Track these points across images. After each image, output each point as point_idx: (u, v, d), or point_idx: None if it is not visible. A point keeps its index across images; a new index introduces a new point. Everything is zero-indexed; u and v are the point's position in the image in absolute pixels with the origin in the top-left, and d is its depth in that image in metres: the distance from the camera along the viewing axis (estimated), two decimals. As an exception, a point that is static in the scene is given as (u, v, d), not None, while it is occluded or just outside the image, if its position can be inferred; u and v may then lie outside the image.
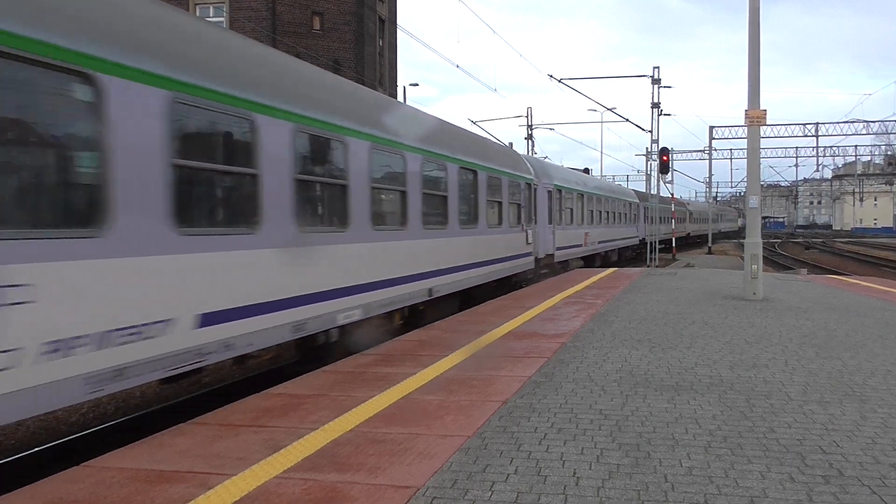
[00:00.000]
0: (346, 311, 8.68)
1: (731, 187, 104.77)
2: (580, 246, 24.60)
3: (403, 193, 10.36)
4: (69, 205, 5.07)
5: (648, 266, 32.97)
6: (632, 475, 4.30)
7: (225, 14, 30.14)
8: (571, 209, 23.42)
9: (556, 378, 6.82)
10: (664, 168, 34.97)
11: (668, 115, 42.91)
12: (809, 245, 66.02)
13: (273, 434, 5.18)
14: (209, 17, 30.67)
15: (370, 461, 4.57)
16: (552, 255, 20.71)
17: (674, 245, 41.89)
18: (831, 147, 77.53)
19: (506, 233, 15.59)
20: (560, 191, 21.98)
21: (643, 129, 40.12)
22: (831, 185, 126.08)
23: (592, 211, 26.76)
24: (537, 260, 18.93)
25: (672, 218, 42.13)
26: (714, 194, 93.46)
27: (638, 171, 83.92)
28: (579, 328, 9.92)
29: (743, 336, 9.21)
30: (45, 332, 4.71)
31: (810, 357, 7.79)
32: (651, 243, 35.73)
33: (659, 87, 37.55)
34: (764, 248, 38.14)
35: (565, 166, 31.63)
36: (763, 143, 15.59)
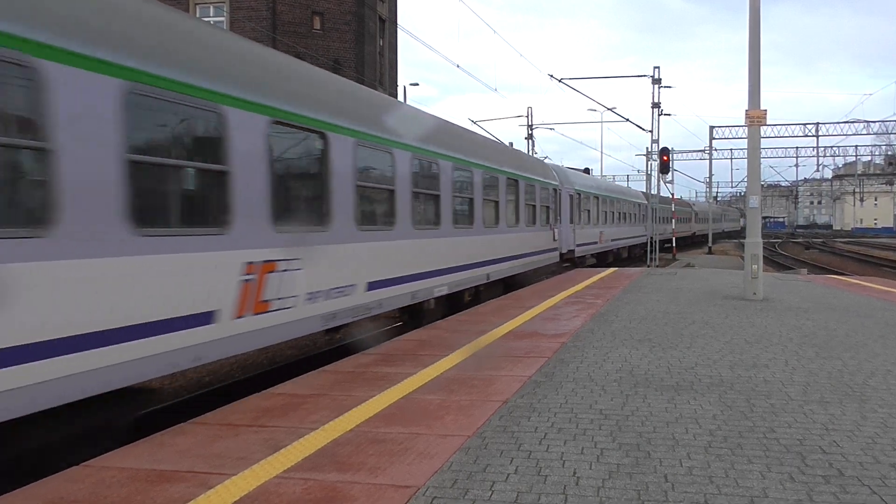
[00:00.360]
0: (439, 286, 11.77)
1: (732, 187, 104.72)
2: (596, 243, 27.23)
3: (471, 201, 13.26)
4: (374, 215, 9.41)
5: (649, 266, 32.97)
6: (632, 475, 4.30)
7: (225, 14, 30.11)
8: (589, 210, 26.01)
9: (556, 378, 6.82)
10: (664, 168, 34.97)
11: (669, 115, 42.92)
12: (810, 245, 66.01)
13: (273, 434, 5.18)
14: (209, 17, 30.59)
15: (370, 461, 4.57)
16: (573, 251, 23.44)
17: (674, 245, 41.89)
18: (832, 147, 77.47)
19: (538, 231, 18.65)
20: (579, 194, 24.67)
21: (643, 129, 40.12)
22: (831, 185, 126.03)
23: (606, 212, 29.31)
24: (561, 255, 21.77)
25: (673, 218, 42.17)
26: (714, 194, 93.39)
27: (638, 171, 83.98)
28: (579, 328, 9.93)
29: (743, 336, 9.21)
30: (308, 287, 7.60)
31: (810, 357, 7.79)
32: (651, 243, 35.79)
33: (659, 87, 37.57)
34: (764, 248, 38.03)
35: (566, 166, 31.79)
36: (763, 143, 15.58)
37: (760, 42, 13.53)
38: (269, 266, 7.05)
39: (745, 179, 15.33)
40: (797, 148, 70.63)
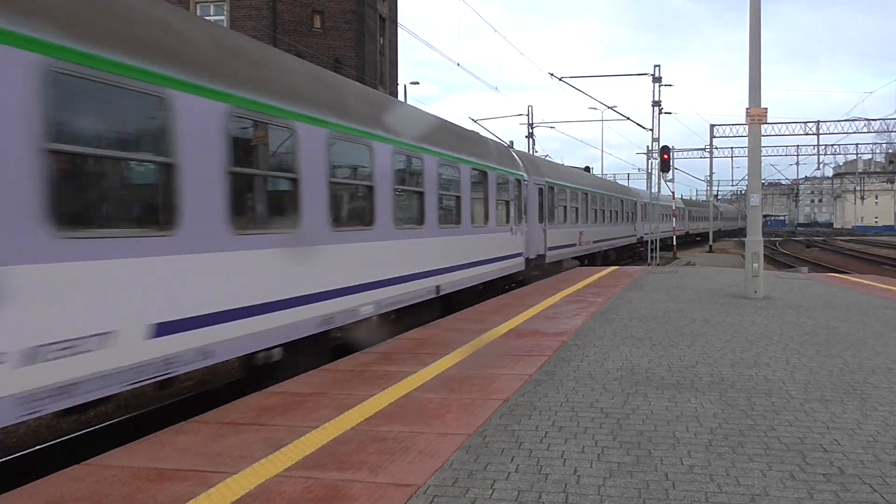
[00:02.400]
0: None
1: (732, 185, 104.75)
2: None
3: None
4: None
5: (649, 264, 32.97)
6: (633, 473, 4.29)
7: (225, 13, 30.08)
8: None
9: (557, 376, 6.82)
10: (665, 166, 34.93)
11: (669, 113, 43.01)
12: (810, 243, 65.95)
13: (274, 432, 5.18)
14: (210, 15, 30.53)
15: (371, 459, 4.57)
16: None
17: (674, 243, 41.90)
18: (832, 145, 77.61)
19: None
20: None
21: (644, 128, 40.14)
22: (832, 184, 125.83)
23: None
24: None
25: (673, 216, 42.17)
26: (715, 193, 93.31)
27: (639, 170, 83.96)
28: (580, 326, 9.93)
29: (744, 334, 9.21)
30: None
31: (811, 355, 7.79)
32: (651, 241, 35.74)
33: (660, 86, 37.55)
34: (765, 246, 37.98)
35: (565, 164, 31.65)
36: (764, 141, 15.59)
37: (761, 40, 13.52)
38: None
39: (746, 177, 15.32)
40: (798, 146, 70.56)
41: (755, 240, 13.68)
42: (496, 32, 31.59)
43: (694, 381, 6.57)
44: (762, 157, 14.60)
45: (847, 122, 56.96)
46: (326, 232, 8.13)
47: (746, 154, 14.75)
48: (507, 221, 15.99)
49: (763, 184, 25.76)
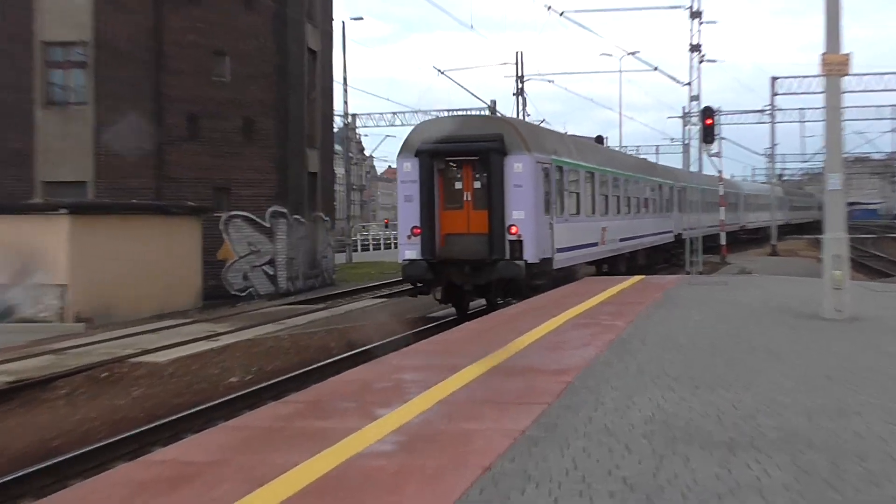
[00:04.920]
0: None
1: (803, 161, 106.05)
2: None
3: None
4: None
5: (688, 273, 33.27)
6: (671, 571, 4.27)
7: (87, 56, 29.67)
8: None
9: (560, 432, 6.80)
10: (708, 135, 35.30)
11: (713, 61, 43.60)
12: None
13: (153, 519, 5.07)
14: (58, 59, 30.22)
15: (294, 557, 4.49)
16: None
17: (723, 242, 42.30)
18: None
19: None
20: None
21: (678, 82, 40.48)
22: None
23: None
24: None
25: (722, 206, 42.57)
26: (778, 172, 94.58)
27: (672, 140, 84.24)
28: (592, 360, 9.93)
29: (823, 370, 9.28)
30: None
31: (917, 399, 7.87)
32: (691, 240, 36.01)
33: (700, 22, 37.94)
34: (852, 246, 38.35)
35: (569, 133, 32.17)
36: (848, 99, 15.73)
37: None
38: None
39: (823, 151, 15.49)
40: (896, 106, 71.65)
41: (836, 237, 13.81)
42: (471, -55, 31.65)
43: (754, 438, 6.58)
44: (844, 122, 14.80)
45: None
46: (607, 216, 27.40)
47: (823, 118, 14.87)
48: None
49: (846, 159, 25.96)
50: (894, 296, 18.53)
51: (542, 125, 37.79)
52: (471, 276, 20.29)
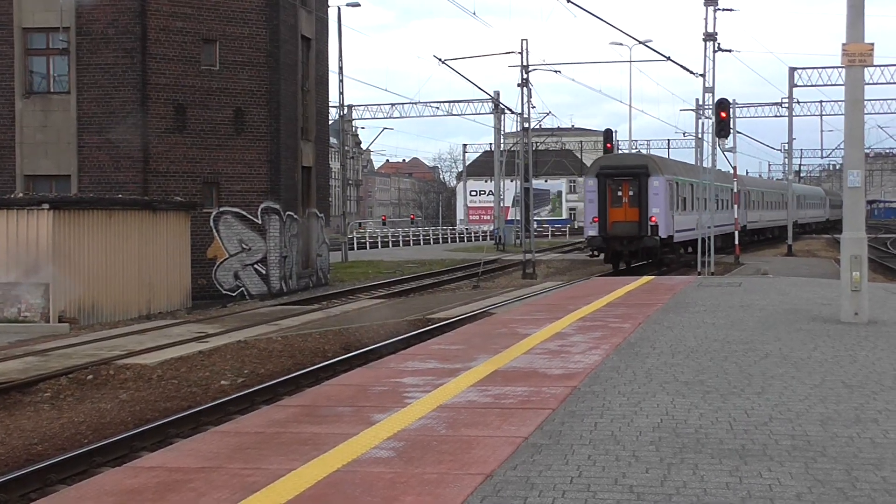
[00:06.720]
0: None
1: (822, 157, 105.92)
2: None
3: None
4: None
5: (700, 274, 33.30)
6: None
7: (69, 44, 29.54)
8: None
9: (564, 439, 6.84)
10: (722, 129, 35.28)
11: (729, 51, 43.24)
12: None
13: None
14: (42, 47, 30.06)
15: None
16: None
17: (737, 242, 42.36)
18: None
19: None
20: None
21: (692, 73, 40.49)
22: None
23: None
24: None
25: (735, 203, 42.67)
26: (797, 167, 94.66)
27: (685, 134, 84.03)
28: (598, 364, 9.98)
29: (840, 376, 9.33)
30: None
31: (937, 406, 7.92)
32: (706, 240, 36.13)
33: (716, 10, 37.92)
34: (872, 246, 38.52)
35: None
36: (871, 91, 15.78)
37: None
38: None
39: (842, 146, 15.51)
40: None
41: (856, 237, 13.84)
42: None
43: (767, 446, 6.63)
44: (867, 115, 14.83)
45: None
46: (697, 211, 40.98)
47: (843, 111, 14.91)
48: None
49: (868, 154, 25.90)
50: (916, 298, 18.56)
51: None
52: (627, 246, 38.23)
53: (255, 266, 30.62)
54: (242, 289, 30.27)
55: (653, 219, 37.76)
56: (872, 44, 13.68)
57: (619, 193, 38.77)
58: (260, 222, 30.56)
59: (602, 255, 39.97)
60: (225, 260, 30.14)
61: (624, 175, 39.15)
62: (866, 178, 13.61)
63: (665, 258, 40.40)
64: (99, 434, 11.36)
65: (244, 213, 30.35)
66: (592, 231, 38.88)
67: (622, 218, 38.12)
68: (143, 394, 13.73)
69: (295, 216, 32.20)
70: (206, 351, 16.99)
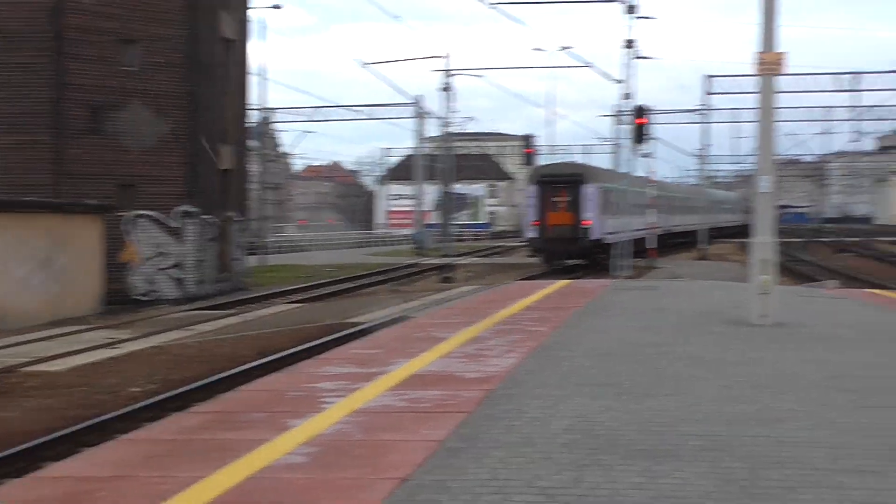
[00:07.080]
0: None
1: (735, 163, 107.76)
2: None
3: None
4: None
5: (615, 278, 33.68)
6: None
7: None
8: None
9: (479, 442, 6.86)
10: (640, 135, 35.75)
11: (649, 58, 43.88)
12: (843, 246, 68.77)
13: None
14: None
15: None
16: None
17: (653, 245, 43.07)
18: (876, 107, 78.14)
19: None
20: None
21: (612, 79, 40.98)
22: (875, 161, 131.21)
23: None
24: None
25: (652, 207, 43.43)
26: (709, 173, 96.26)
27: (605, 141, 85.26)
28: (514, 367, 10.02)
29: (748, 378, 9.50)
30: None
31: (843, 406, 8.10)
32: (619, 244, 36.67)
33: (635, 17, 38.41)
34: (780, 251, 39.15)
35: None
36: (781, 99, 16.12)
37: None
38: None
39: (755, 153, 15.80)
40: (828, 107, 72.91)
41: (765, 241, 14.10)
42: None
43: (677, 446, 6.72)
44: (777, 123, 15.11)
45: None
46: (629, 215, 45.56)
47: (756, 118, 15.20)
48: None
49: (778, 161, 26.55)
50: (821, 301, 19.04)
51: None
52: (564, 246, 42.33)
53: (171, 270, 30.25)
54: (157, 293, 29.86)
55: (586, 222, 41.82)
56: (783, 53, 13.96)
57: (557, 199, 42.44)
58: (176, 226, 30.16)
59: (541, 256, 44.59)
60: (140, 264, 29.69)
61: (561, 182, 42.83)
62: (777, 183, 13.81)
63: (597, 258, 42.74)
64: (2, 444, 11.08)
65: (159, 217, 29.92)
66: (533, 233, 43.24)
67: (559, 221, 41.86)
68: (50, 402, 13.46)
69: (212, 220, 31.83)
70: (118, 357, 16.75)
